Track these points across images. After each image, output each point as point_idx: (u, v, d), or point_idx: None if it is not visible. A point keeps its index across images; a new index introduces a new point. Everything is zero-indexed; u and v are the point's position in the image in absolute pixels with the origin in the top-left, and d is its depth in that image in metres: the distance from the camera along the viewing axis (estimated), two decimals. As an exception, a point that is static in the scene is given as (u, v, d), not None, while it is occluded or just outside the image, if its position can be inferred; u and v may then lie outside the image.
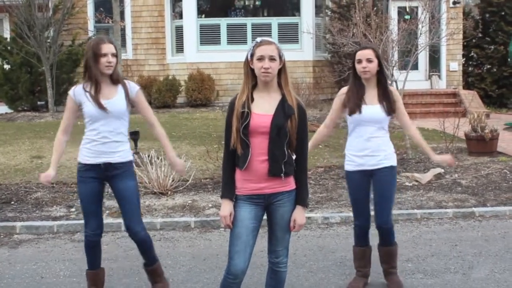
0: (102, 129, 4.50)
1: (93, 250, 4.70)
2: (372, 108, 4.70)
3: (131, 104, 4.62)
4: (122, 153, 4.57)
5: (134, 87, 4.64)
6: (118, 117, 4.53)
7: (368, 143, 4.72)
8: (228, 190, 3.76)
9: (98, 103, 4.44)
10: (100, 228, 4.68)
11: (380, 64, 4.71)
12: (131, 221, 4.60)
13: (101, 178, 4.58)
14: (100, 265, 4.82)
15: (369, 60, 4.66)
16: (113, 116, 4.50)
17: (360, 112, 4.69)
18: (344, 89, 4.82)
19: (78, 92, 4.53)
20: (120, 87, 4.57)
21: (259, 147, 3.67)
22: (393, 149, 4.83)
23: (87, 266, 4.79)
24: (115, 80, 4.56)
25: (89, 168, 4.54)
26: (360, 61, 4.69)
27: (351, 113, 4.73)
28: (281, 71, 3.72)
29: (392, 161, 4.78)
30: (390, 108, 4.71)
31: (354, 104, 4.72)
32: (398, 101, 4.78)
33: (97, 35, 16.35)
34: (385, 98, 4.71)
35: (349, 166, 4.84)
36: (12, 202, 7.66)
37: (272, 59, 3.63)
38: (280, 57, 3.68)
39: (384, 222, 4.80)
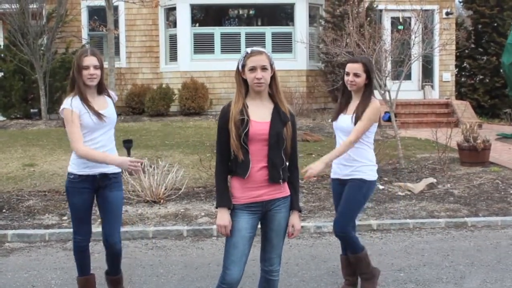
0: (100, 138, 4.52)
1: (82, 254, 4.74)
2: (344, 117, 4.77)
3: None
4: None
5: (115, 97, 4.75)
6: (112, 126, 4.61)
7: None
8: (225, 198, 3.75)
9: (97, 114, 4.47)
10: (89, 234, 4.75)
11: (369, 77, 4.73)
12: (113, 232, 4.61)
13: (94, 188, 4.60)
14: (90, 271, 4.84)
15: (356, 75, 4.70)
16: (108, 126, 4.56)
17: (336, 120, 4.84)
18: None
19: (75, 103, 4.48)
20: (107, 98, 4.65)
21: (258, 154, 3.68)
22: (370, 162, 4.78)
23: (78, 273, 4.81)
24: (101, 90, 4.61)
25: (84, 179, 4.55)
26: (348, 74, 4.74)
27: (332, 120, 4.93)
28: (272, 79, 3.75)
29: (364, 174, 4.73)
30: (357, 119, 4.67)
31: (335, 112, 4.91)
32: (365, 113, 4.66)
33: (85, 46, 16.41)
34: (359, 108, 4.70)
35: (331, 174, 4.97)
36: (4, 210, 7.63)
37: (264, 68, 3.66)
38: (271, 65, 3.71)
39: (337, 230, 4.77)
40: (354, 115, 4.70)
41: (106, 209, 4.63)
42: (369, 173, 4.76)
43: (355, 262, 4.93)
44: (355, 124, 4.67)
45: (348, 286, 5.04)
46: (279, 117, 3.70)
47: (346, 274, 5.07)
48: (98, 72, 4.51)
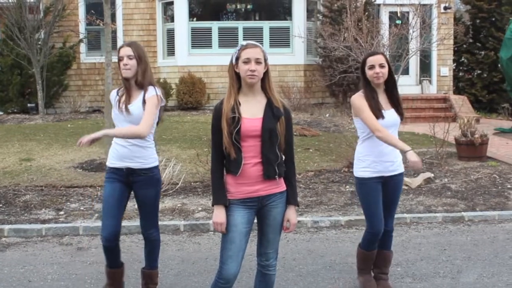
0: None
1: (109, 250, 4.66)
2: (390, 112, 4.68)
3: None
4: (145, 159, 4.57)
5: (151, 92, 4.52)
6: (137, 122, 4.44)
7: (388, 148, 4.65)
8: (221, 196, 3.75)
9: (118, 107, 4.51)
10: (115, 230, 4.56)
11: (390, 69, 4.70)
12: (146, 225, 4.74)
13: (124, 181, 4.59)
14: (118, 264, 4.78)
15: (381, 66, 4.63)
16: (132, 121, 4.47)
17: (383, 117, 4.61)
18: (358, 94, 4.72)
19: (113, 94, 4.66)
20: (141, 93, 4.54)
21: (251, 150, 3.68)
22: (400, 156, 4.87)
23: (106, 263, 4.77)
24: (139, 84, 4.54)
25: (114, 171, 4.60)
26: (372, 67, 4.63)
27: (377, 118, 4.60)
28: (265, 75, 3.75)
29: (402, 167, 4.84)
30: (401, 111, 4.73)
31: (377, 109, 4.62)
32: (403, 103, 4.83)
33: (82, 41, 16.34)
34: (396, 101, 4.72)
35: (367, 173, 4.72)
36: (0, 205, 7.61)
37: (258, 62, 3.65)
38: (265, 60, 3.71)
39: (392, 226, 4.96)
40: (396, 109, 4.70)
41: (140, 205, 4.71)
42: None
43: (390, 257, 5.04)
44: (402, 116, 4.72)
45: (371, 276, 5.03)
46: (271, 113, 3.69)
47: (368, 267, 5.03)
48: (132, 62, 4.47)
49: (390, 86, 4.74)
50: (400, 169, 4.80)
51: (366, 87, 4.71)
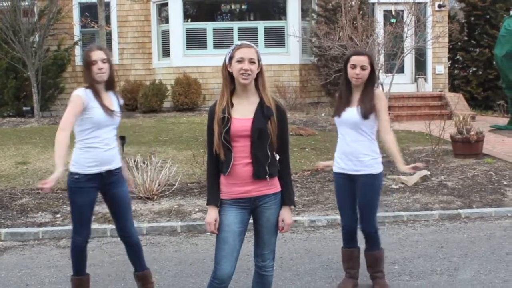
0: (105, 136, 4.50)
1: (80, 255, 4.69)
2: (350, 110, 4.71)
3: None
4: (118, 159, 4.64)
5: (121, 99, 4.71)
6: (117, 124, 4.59)
7: (348, 147, 4.73)
8: (212, 196, 3.77)
9: (109, 110, 4.46)
10: (89, 235, 4.73)
11: (373, 69, 4.70)
12: (127, 224, 4.67)
13: (99, 187, 4.57)
14: (85, 271, 4.81)
15: (363, 68, 4.63)
16: (114, 123, 4.55)
17: (339, 115, 4.74)
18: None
19: (89, 94, 4.46)
20: (112, 95, 4.60)
21: (242, 150, 3.68)
22: (377, 155, 4.79)
23: (73, 272, 4.76)
24: (110, 87, 4.57)
25: (91, 178, 4.49)
26: (354, 67, 4.64)
27: (334, 115, 4.82)
28: (259, 75, 3.74)
29: (373, 168, 4.73)
30: (366, 111, 4.64)
31: (336, 107, 4.80)
32: (379, 104, 4.69)
33: (77, 44, 16.35)
34: (365, 100, 4.67)
35: (334, 168, 4.88)
36: (-3, 209, 7.60)
37: (251, 61, 3.65)
38: (259, 61, 3.71)
39: (368, 228, 4.83)
40: (360, 107, 4.65)
41: (118, 206, 4.65)
42: (376, 166, 4.76)
43: (376, 258, 4.94)
44: (363, 116, 4.63)
45: (350, 279, 5.02)
46: (262, 113, 3.68)
47: (348, 267, 5.05)
48: (106, 66, 4.47)
49: (367, 87, 4.71)
50: (365, 170, 4.71)
51: (343, 83, 4.79)
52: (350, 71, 4.68)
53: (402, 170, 4.77)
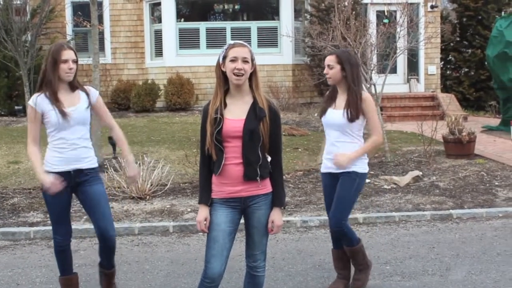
0: (69, 137, 4.43)
1: (63, 254, 4.67)
2: (335, 112, 4.74)
3: (92, 109, 4.56)
4: (91, 159, 4.56)
5: (94, 93, 4.58)
6: (83, 123, 4.49)
7: (333, 147, 4.77)
8: (204, 195, 3.78)
9: (62, 112, 4.37)
10: (69, 234, 4.67)
11: (343, 69, 4.70)
12: (106, 225, 4.53)
13: (70, 185, 4.50)
14: (72, 270, 4.79)
15: (329, 67, 4.72)
16: (78, 123, 4.45)
17: (324, 115, 4.81)
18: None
19: (40, 101, 4.41)
20: (81, 93, 4.51)
21: (233, 151, 3.67)
22: (362, 156, 4.80)
23: (59, 272, 4.76)
24: (74, 86, 4.50)
25: (59, 177, 4.45)
26: (326, 66, 4.78)
27: (320, 116, 4.88)
28: (253, 75, 3.74)
29: (356, 167, 4.73)
30: (353, 114, 4.66)
31: (322, 107, 4.89)
32: (366, 109, 4.70)
33: (69, 42, 16.28)
34: (351, 104, 4.68)
35: (322, 168, 4.94)
36: (-12, 208, 7.57)
37: (245, 61, 3.64)
38: (252, 60, 3.70)
39: (333, 225, 4.79)
40: (347, 110, 4.67)
41: (91, 204, 4.54)
42: (361, 165, 4.77)
43: (351, 255, 4.93)
44: (349, 119, 4.65)
45: (341, 280, 5.02)
46: (254, 114, 3.67)
47: (338, 268, 5.05)
48: (75, 66, 4.43)
49: (350, 87, 4.71)
50: (348, 168, 4.71)
51: (332, 85, 4.87)
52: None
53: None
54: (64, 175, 4.44)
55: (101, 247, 4.67)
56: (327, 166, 4.85)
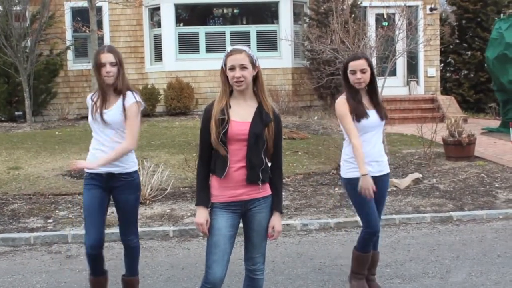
0: (102, 138, 4.49)
1: (91, 257, 4.59)
2: (372, 113, 4.69)
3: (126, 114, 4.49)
4: (125, 163, 4.52)
5: (131, 99, 4.50)
6: (115, 128, 4.46)
7: (374, 149, 4.71)
8: (202, 197, 3.76)
9: (93, 113, 4.47)
10: (98, 239, 4.50)
11: (372, 72, 4.68)
12: (125, 232, 4.66)
13: (104, 187, 4.52)
14: (102, 271, 4.71)
15: (363, 71, 4.61)
16: (109, 127, 4.46)
17: (367, 117, 4.64)
18: (342, 99, 4.71)
19: (88, 100, 4.60)
20: (120, 98, 4.50)
21: (237, 154, 3.66)
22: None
23: (89, 271, 4.70)
24: (118, 90, 4.49)
25: (93, 177, 4.51)
26: (354, 72, 4.62)
27: (360, 119, 4.63)
28: (256, 78, 3.71)
29: (388, 167, 4.89)
30: (383, 113, 4.73)
31: (361, 110, 4.64)
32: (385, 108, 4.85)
33: (70, 48, 16.31)
34: (378, 103, 4.72)
35: (355, 173, 4.63)
36: (-12, 214, 7.57)
37: (243, 67, 3.62)
38: (254, 64, 3.67)
39: (379, 228, 4.83)
40: (379, 110, 4.70)
41: (119, 210, 4.64)
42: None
43: (378, 258, 5.04)
44: (384, 118, 4.72)
45: (369, 281, 5.00)
46: (260, 118, 3.66)
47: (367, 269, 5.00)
48: (114, 69, 4.43)
49: (372, 89, 4.74)
50: (386, 169, 4.81)
51: (348, 90, 4.71)
52: (351, 77, 4.66)
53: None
54: (98, 176, 4.49)
55: (124, 252, 4.78)
56: (376, 169, 4.73)
